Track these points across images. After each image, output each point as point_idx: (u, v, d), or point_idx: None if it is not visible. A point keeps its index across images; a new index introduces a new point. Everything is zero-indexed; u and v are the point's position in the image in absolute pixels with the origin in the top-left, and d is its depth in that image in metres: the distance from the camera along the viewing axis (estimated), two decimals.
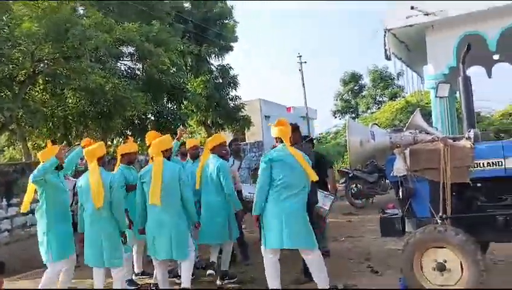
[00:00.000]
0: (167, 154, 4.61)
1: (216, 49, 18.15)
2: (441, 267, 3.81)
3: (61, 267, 4.49)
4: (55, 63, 8.98)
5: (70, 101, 9.66)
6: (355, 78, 34.16)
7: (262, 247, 4.31)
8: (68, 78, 9.24)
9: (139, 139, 12.09)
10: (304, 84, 31.47)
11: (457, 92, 6.11)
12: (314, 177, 4.21)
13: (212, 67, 18.39)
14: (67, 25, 8.51)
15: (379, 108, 29.08)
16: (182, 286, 4.54)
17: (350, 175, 10.27)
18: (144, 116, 11.57)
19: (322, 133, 32.14)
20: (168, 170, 4.44)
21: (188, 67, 17.46)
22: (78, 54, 9.34)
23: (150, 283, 5.20)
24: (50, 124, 9.97)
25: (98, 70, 9.23)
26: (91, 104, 9.51)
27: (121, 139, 12.28)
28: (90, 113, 9.78)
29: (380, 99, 32.32)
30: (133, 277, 5.39)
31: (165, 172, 4.40)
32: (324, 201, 5.47)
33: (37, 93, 9.83)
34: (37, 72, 9.05)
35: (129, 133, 11.61)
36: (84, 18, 9.77)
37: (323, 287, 4.18)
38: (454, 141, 4.25)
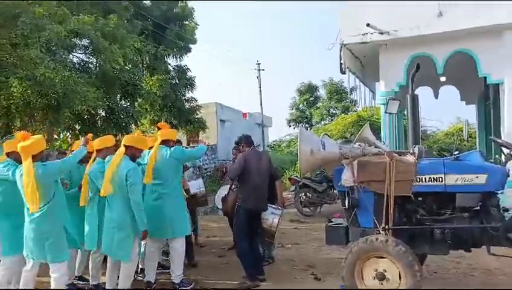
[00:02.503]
0: (130, 152, 4.50)
1: (174, 50, 17.96)
2: (381, 277, 3.93)
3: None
4: (1, 49, 8.52)
5: (15, 90, 9.17)
6: (311, 89, 34.83)
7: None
8: (15, 67, 8.79)
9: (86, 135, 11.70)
10: (261, 91, 31.71)
11: (406, 110, 6.38)
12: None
13: (169, 67, 18.16)
14: (17, 10, 8.10)
15: (332, 120, 29.80)
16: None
17: (300, 183, 10.43)
18: (94, 112, 11.19)
19: (276, 141, 32.49)
20: (122, 168, 4.35)
21: (145, 65, 17.15)
22: (27, 42, 8.93)
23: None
24: None
25: (48, 63, 8.83)
26: (38, 95, 9.06)
27: (68, 134, 11.83)
28: (36, 104, 9.32)
29: (334, 111, 33.13)
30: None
31: (120, 168, 4.34)
32: (273, 216, 5.50)
33: None
34: None
35: (78, 127, 11.21)
36: (37, 6, 9.33)
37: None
38: (399, 155, 4.42)
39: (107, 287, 4.60)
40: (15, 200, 4.16)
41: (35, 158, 3.99)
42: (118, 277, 4.56)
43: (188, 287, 4.91)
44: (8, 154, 4.50)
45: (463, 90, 13.19)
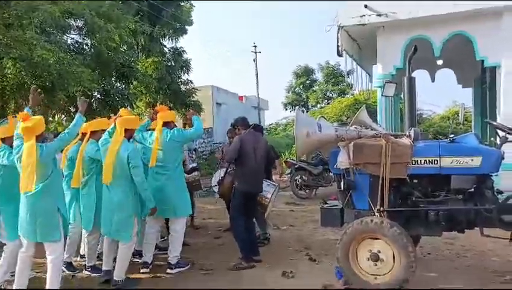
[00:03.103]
0: (128, 134, 4.53)
1: (170, 31, 17.76)
2: (375, 258, 3.97)
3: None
4: None
5: (9, 71, 9.06)
6: (307, 72, 34.68)
7: None
8: (9, 47, 8.67)
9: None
10: (257, 74, 31.58)
11: (402, 93, 6.37)
12: None
13: (165, 49, 17.98)
14: None
15: (328, 103, 29.77)
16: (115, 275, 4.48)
17: (296, 166, 10.47)
18: (89, 94, 11.09)
19: (272, 124, 32.47)
20: (122, 151, 4.35)
21: (140, 47, 16.98)
22: (21, 22, 8.79)
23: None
24: None
25: (43, 43, 8.72)
26: (32, 76, 8.97)
27: (63, 116, 11.76)
28: (31, 86, 9.23)
29: (330, 95, 33.05)
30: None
31: (120, 152, 4.34)
32: (267, 189, 5.55)
33: None
34: None
35: (72, 110, 11.13)
36: None
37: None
38: (395, 138, 4.43)
39: (103, 268, 4.63)
40: (15, 184, 4.11)
41: (37, 139, 3.95)
42: (115, 259, 4.59)
43: (184, 268, 4.96)
44: (3, 140, 4.48)
45: (460, 73, 13.18)
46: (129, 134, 4.57)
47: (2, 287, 4.34)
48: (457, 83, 13.71)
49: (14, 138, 4.15)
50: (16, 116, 4.54)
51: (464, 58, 10.32)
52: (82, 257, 5.35)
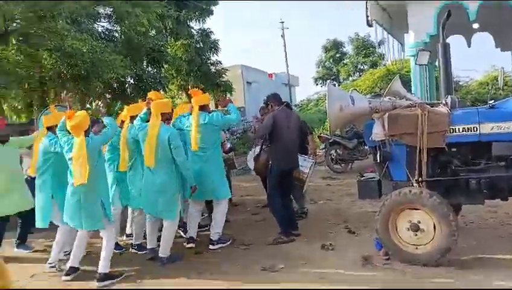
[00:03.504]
0: (165, 117, 4.66)
1: (196, 13, 17.73)
2: (415, 228, 3.97)
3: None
4: (29, 22, 8.65)
5: (46, 62, 9.37)
6: (337, 45, 33.98)
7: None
8: (43, 39, 8.94)
9: (118, 103, 11.91)
10: (286, 50, 31.27)
11: (437, 61, 6.19)
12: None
13: (192, 31, 18.00)
14: None
15: (360, 76, 29.15)
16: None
17: (330, 141, 10.41)
18: (123, 80, 11.31)
19: (303, 100, 32.19)
20: (163, 135, 4.49)
21: (168, 31, 17.07)
22: (53, 14, 9.01)
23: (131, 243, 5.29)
24: (26, 86, 9.69)
25: (74, 33, 8.94)
26: (68, 66, 9.23)
27: (100, 103, 12.06)
28: (67, 75, 9.52)
29: (361, 67, 32.32)
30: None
31: (160, 137, 4.48)
32: (304, 164, 5.59)
33: (10, 54, 9.48)
34: (9, 31, 8.71)
35: (108, 96, 11.41)
36: None
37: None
38: (431, 107, 4.34)
39: (148, 246, 4.83)
40: (66, 171, 4.37)
41: (85, 134, 4.19)
42: (158, 238, 4.78)
43: (225, 243, 5.10)
44: (48, 128, 4.74)
45: (498, 36, 12.62)
46: (165, 117, 4.69)
47: (57, 267, 4.61)
48: (495, 46, 13.13)
49: (59, 131, 4.40)
50: (57, 106, 4.77)
51: (501, 20, 9.87)
52: (128, 235, 5.61)
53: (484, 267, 3.86)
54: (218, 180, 5.07)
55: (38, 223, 4.77)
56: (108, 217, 4.38)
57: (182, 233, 5.44)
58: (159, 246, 4.71)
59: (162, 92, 11.56)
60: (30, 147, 5.62)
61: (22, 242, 5.55)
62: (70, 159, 4.19)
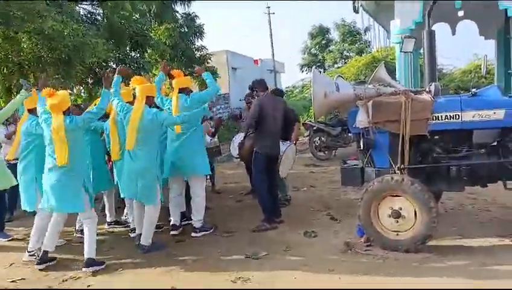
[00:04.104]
0: (149, 102, 4.60)
1: None
2: (397, 215, 4.00)
3: None
4: (7, 3, 8.39)
5: (25, 46, 9.11)
6: (322, 32, 33.91)
7: None
8: (22, 21, 8.68)
9: (99, 88, 11.68)
10: (271, 36, 31.03)
11: (422, 48, 6.20)
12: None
13: (177, 15, 17.72)
14: None
15: (345, 63, 29.20)
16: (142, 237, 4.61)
17: (314, 128, 10.42)
18: (105, 64, 11.10)
19: (289, 87, 32.16)
20: (145, 118, 4.43)
21: (152, 14, 16.76)
22: None
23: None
24: (4, 70, 9.43)
25: (55, 15, 8.69)
26: (48, 49, 8.99)
27: (81, 88, 11.86)
28: (48, 59, 9.28)
29: (347, 54, 32.38)
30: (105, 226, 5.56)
31: (143, 120, 4.42)
32: (281, 148, 5.55)
33: None
34: None
35: (90, 81, 11.19)
36: None
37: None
38: (415, 94, 4.35)
39: (137, 232, 4.80)
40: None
41: (64, 113, 4.10)
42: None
43: (208, 231, 5.08)
44: (30, 111, 4.64)
45: (482, 24, 12.70)
46: (150, 101, 4.63)
47: (36, 255, 4.53)
48: (479, 34, 13.24)
49: (40, 112, 4.31)
50: (38, 89, 4.66)
51: (486, 8, 9.91)
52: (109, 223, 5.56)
53: (464, 252, 3.93)
54: (197, 157, 5.02)
55: (25, 206, 4.72)
56: (90, 200, 4.31)
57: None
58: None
59: (145, 75, 11.38)
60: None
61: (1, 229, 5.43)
62: (50, 137, 4.10)
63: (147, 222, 4.58)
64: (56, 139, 4.03)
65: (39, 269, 4.21)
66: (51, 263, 4.31)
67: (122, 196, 4.96)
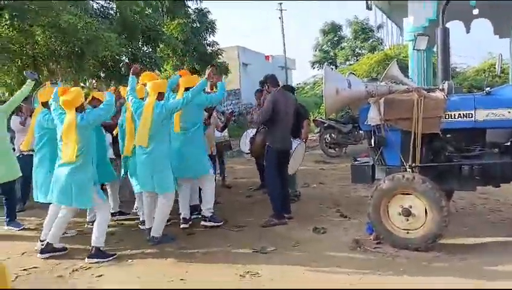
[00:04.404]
0: (160, 98, 4.63)
1: None
2: (407, 213, 3.98)
3: None
4: None
5: (39, 38, 9.21)
6: (335, 29, 33.72)
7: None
8: (37, 14, 8.77)
9: (112, 82, 11.77)
10: (283, 33, 30.94)
11: (435, 46, 6.14)
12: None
13: (189, 10, 17.75)
14: None
15: (357, 60, 29.02)
16: (153, 227, 4.65)
17: (325, 125, 10.39)
18: (117, 58, 11.17)
19: (300, 84, 32.06)
20: (155, 112, 4.48)
21: (164, 10, 16.81)
22: None
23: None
24: (19, 62, 9.55)
25: (70, 8, 8.78)
26: (62, 42, 9.09)
27: (94, 81, 11.95)
28: (61, 52, 9.38)
29: (359, 51, 32.16)
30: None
31: (154, 115, 4.46)
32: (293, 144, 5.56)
33: (3, 29, 9.32)
34: (2, 6, 8.55)
35: (102, 75, 11.28)
36: None
37: None
38: (428, 92, 4.32)
39: (146, 226, 4.83)
40: None
41: (77, 110, 4.16)
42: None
43: (218, 223, 5.12)
44: (43, 104, 4.70)
45: (497, 23, 12.54)
46: (161, 97, 4.66)
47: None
48: (494, 33, 13.06)
49: (53, 107, 4.37)
50: (52, 81, 4.73)
51: (501, 6, 9.78)
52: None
53: (474, 252, 3.90)
54: (198, 158, 5.04)
55: (40, 198, 4.79)
56: (100, 195, 4.37)
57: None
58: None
59: (157, 72, 11.43)
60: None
61: (11, 219, 5.51)
62: (61, 134, 4.16)
63: (159, 214, 4.63)
64: (66, 136, 4.09)
65: (41, 259, 4.28)
66: (57, 253, 4.37)
67: (138, 190, 4.97)
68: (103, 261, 4.18)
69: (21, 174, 5.41)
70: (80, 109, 4.21)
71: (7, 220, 5.50)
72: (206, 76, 4.94)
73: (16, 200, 5.88)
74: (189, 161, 4.96)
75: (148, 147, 4.50)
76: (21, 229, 5.42)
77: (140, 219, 5.24)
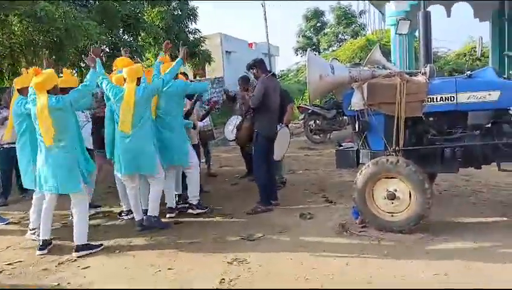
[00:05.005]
0: (138, 83, 4.55)
1: None
2: (392, 196, 4.03)
3: None
4: None
5: (16, 28, 8.99)
6: (317, 14, 33.62)
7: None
8: (12, 3, 8.54)
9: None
10: (266, 19, 30.66)
11: (417, 31, 6.17)
12: None
13: None
14: None
15: (340, 46, 29.04)
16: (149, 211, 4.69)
17: (309, 111, 10.41)
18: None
19: (283, 71, 31.99)
20: (138, 96, 4.44)
21: None
22: None
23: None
24: None
25: None
26: (40, 32, 8.88)
27: (74, 71, 11.73)
28: (39, 42, 9.17)
29: (342, 37, 32.18)
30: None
31: (137, 99, 4.42)
32: None
33: None
34: None
35: (82, 64, 11.08)
36: None
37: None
38: (410, 76, 4.34)
39: (136, 219, 4.79)
40: None
41: (49, 92, 4.05)
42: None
43: (205, 210, 5.13)
44: (19, 91, 4.58)
45: (477, 6, 12.63)
46: (138, 82, 4.57)
47: (36, 233, 4.56)
48: (474, 17, 13.17)
49: (29, 92, 4.24)
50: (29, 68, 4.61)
51: None
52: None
53: (456, 233, 3.97)
54: (179, 147, 5.01)
55: (26, 184, 4.74)
56: (85, 181, 4.30)
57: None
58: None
59: (138, 60, 11.28)
60: None
61: None
62: (35, 117, 4.07)
63: (153, 197, 4.67)
64: (40, 119, 3.99)
65: (40, 255, 4.19)
66: (50, 246, 4.31)
67: (123, 173, 4.74)
68: (90, 253, 4.14)
69: None
70: (52, 92, 4.08)
71: None
72: (180, 55, 4.92)
73: None
74: (171, 149, 4.94)
75: (130, 131, 4.45)
76: (6, 224, 5.31)
77: (125, 209, 5.20)
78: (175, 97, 5.00)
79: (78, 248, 4.16)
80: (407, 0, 9.15)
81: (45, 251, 4.23)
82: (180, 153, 5.03)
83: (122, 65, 4.82)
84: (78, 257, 4.08)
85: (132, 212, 4.91)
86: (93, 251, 4.18)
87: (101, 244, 4.30)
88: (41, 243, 4.27)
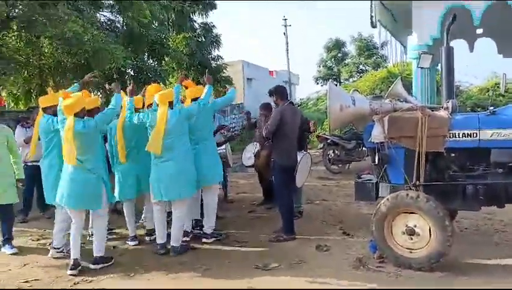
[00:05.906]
0: (171, 107, 4.70)
1: (199, 6, 17.68)
2: (411, 232, 3.95)
3: None
4: (31, 8, 8.59)
5: (46, 50, 9.32)
6: (339, 45, 33.93)
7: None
8: (44, 26, 8.88)
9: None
10: (287, 48, 31.12)
11: (439, 65, 6.16)
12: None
13: (195, 24, 17.96)
14: None
15: (361, 77, 29.12)
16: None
17: (328, 141, 10.37)
18: (123, 70, 11.27)
19: (303, 99, 32.14)
20: (171, 121, 4.58)
21: (170, 23, 17.01)
22: (55, 0, 8.95)
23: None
24: (25, 73, 9.65)
25: (76, 19, 8.89)
26: (68, 54, 9.18)
27: (99, 93, 12.03)
28: (67, 63, 9.47)
29: (363, 68, 32.30)
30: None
31: (170, 121, 4.56)
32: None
33: (10, 40, 9.43)
34: (11, 17, 8.65)
35: (108, 86, 11.35)
36: None
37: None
38: (432, 110, 4.32)
39: (159, 242, 4.80)
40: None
41: (77, 115, 4.21)
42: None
43: (220, 238, 5.11)
44: (44, 110, 4.71)
45: (501, 42, 12.58)
46: (171, 106, 4.70)
47: (64, 251, 4.68)
48: (498, 52, 13.10)
49: (58, 113, 4.41)
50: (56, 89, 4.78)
51: (505, 26, 9.84)
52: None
53: (477, 272, 3.85)
54: (210, 165, 5.03)
55: (50, 200, 4.78)
56: (110, 199, 4.53)
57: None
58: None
59: (162, 85, 11.51)
60: None
61: (7, 240, 5.07)
62: (63, 138, 4.25)
63: (177, 222, 4.72)
64: (65, 140, 4.17)
65: (71, 275, 4.19)
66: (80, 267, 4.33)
67: (156, 199, 4.78)
68: (106, 266, 4.34)
69: (17, 200, 5.19)
70: (80, 115, 4.24)
71: (2, 240, 5.12)
72: (208, 82, 5.14)
73: (13, 222, 5.32)
74: (201, 168, 4.93)
75: (162, 155, 4.56)
76: (14, 253, 4.95)
77: (130, 235, 5.22)
78: (206, 115, 5.09)
79: (96, 261, 4.32)
80: (429, 34, 9.17)
81: (75, 272, 4.22)
82: (214, 171, 5.10)
83: (154, 91, 4.93)
84: (95, 269, 4.26)
85: (136, 239, 5.16)
86: (108, 264, 4.37)
87: (112, 258, 4.49)
88: (72, 263, 4.29)
